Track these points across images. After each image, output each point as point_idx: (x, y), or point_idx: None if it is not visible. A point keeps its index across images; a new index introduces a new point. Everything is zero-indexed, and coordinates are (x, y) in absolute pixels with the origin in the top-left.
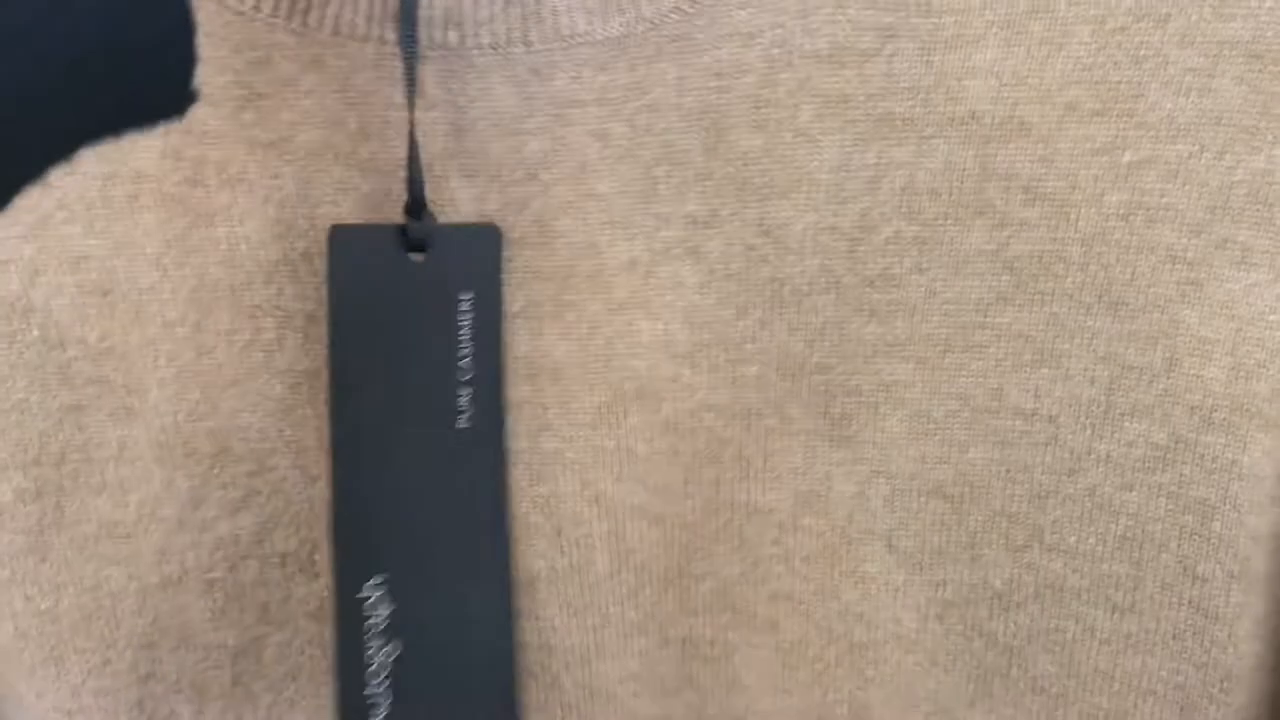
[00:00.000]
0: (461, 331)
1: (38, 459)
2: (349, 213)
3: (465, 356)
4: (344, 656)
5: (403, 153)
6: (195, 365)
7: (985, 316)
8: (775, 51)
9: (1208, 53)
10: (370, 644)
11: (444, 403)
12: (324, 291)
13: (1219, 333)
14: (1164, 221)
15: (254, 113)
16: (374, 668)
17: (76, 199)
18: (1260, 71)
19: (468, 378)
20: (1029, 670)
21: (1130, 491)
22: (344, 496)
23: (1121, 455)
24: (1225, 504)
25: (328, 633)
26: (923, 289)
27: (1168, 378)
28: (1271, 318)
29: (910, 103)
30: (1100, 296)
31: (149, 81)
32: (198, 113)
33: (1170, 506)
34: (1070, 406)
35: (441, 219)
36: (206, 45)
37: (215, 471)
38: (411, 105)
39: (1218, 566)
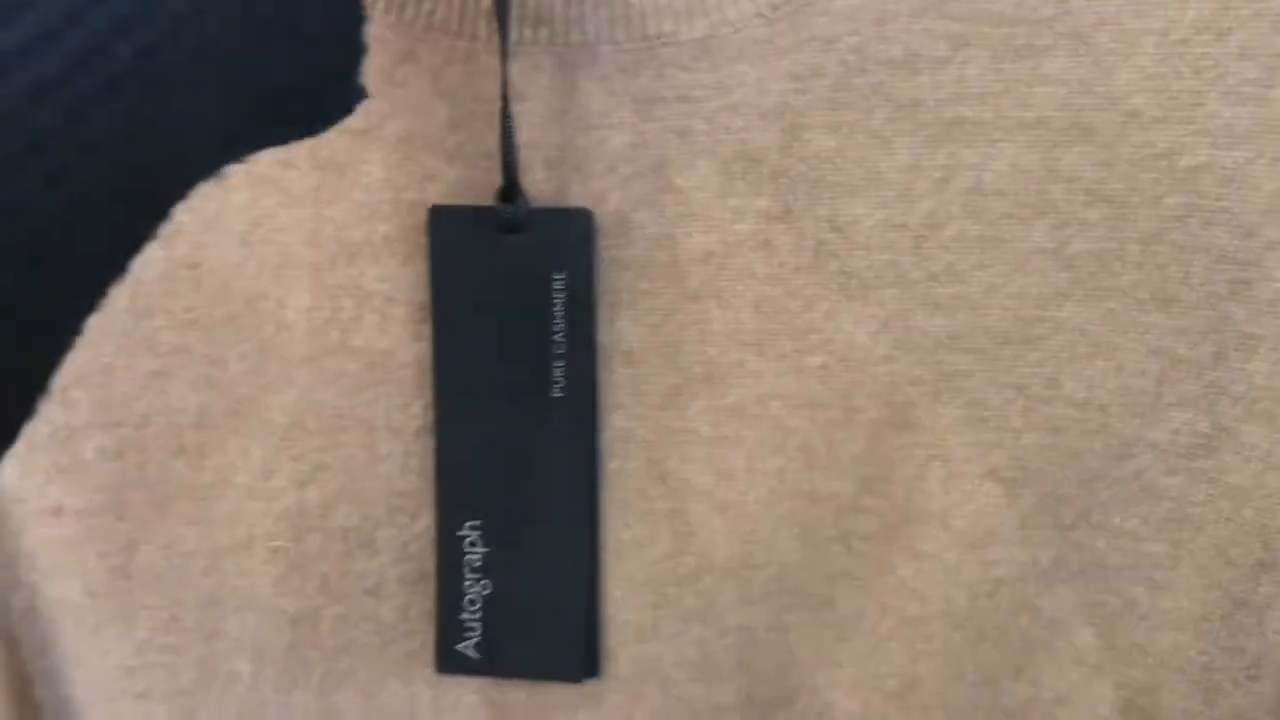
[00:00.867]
0: (555, 309)
1: (120, 420)
2: (434, 199)
3: (559, 332)
4: (444, 584)
5: (491, 143)
6: (274, 340)
7: (1044, 311)
8: (852, 57)
9: (1266, 65)
10: (467, 577)
11: (539, 373)
12: (407, 272)
13: (1265, 329)
14: (1218, 224)
15: None
16: (469, 598)
17: None
18: None
19: (561, 351)
20: (1071, 643)
21: (1174, 476)
22: (447, 446)
23: (1167, 442)
24: (1259, 491)
25: (383, 611)
26: (985, 284)
27: (1214, 370)
28: None
29: (980, 107)
30: (1154, 293)
31: (320, 77)
32: None
33: (1210, 492)
34: (1121, 396)
35: None
36: None
37: (286, 444)
38: (506, 96)
39: (1247, 554)
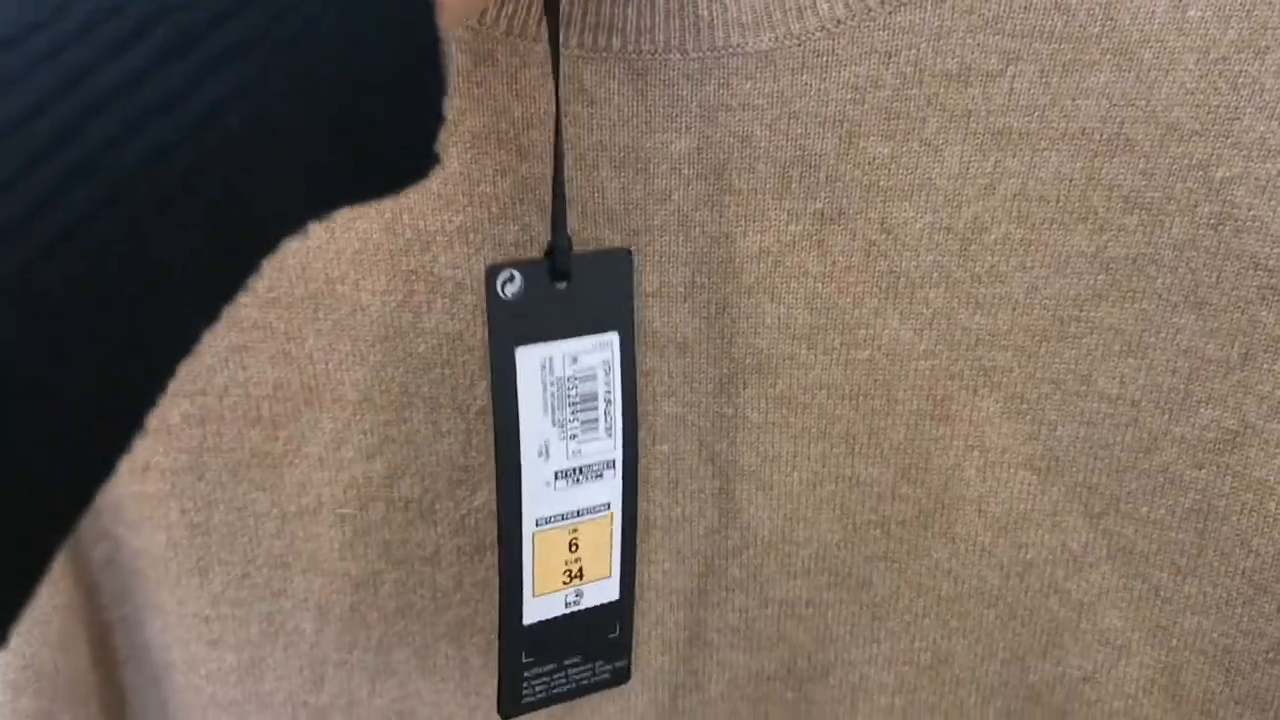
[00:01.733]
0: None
1: (204, 390)
2: (505, 191)
3: (610, 393)
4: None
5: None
6: (349, 320)
7: (1081, 311)
8: (909, 69)
9: None
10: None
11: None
12: (478, 260)
13: None
14: (1249, 232)
15: None
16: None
17: None
18: None
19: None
20: (1098, 624)
21: (1200, 469)
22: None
23: (1195, 437)
24: None
25: (440, 578)
26: (1026, 285)
27: (1242, 370)
28: None
29: (1027, 119)
30: (1187, 296)
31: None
32: None
33: (1235, 484)
34: (1152, 392)
35: (588, 205)
36: None
37: (356, 418)
38: (559, 169)
39: (1270, 543)
